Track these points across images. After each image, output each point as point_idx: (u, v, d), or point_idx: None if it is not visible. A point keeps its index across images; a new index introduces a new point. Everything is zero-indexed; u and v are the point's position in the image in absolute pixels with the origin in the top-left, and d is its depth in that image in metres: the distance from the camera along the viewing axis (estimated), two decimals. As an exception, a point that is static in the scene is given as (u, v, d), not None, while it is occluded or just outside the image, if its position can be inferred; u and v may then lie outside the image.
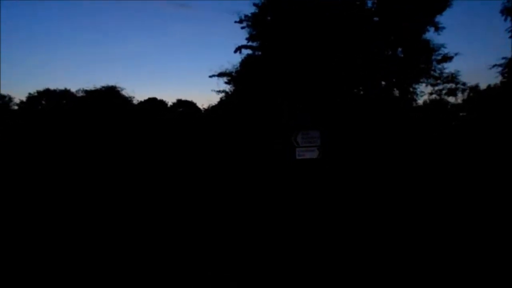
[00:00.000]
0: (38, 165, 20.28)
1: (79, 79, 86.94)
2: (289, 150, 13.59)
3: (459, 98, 23.76)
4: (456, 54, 22.13)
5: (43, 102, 44.73)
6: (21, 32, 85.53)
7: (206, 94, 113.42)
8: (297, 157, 14.44)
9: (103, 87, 39.83)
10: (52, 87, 44.74)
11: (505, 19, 20.79)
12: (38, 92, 44.77)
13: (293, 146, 14.34)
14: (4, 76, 75.59)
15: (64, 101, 43.14)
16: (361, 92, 23.55)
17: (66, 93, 43.79)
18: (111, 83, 40.73)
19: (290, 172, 13.78)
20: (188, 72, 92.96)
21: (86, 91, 40.48)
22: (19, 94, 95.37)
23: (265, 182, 14.47)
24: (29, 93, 45.33)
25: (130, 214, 9.55)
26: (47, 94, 44.56)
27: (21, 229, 8.19)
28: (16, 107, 46.48)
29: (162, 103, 48.95)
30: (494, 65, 21.99)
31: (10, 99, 47.21)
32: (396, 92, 22.99)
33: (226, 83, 26.62)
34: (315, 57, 20.89)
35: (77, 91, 42.09)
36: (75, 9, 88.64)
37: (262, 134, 21.44)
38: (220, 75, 25.92)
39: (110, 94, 39.48)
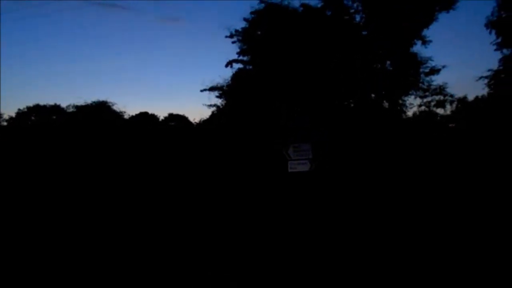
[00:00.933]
0: (27, 179, 19.98)
1: (70, 94, 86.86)
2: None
3: (448, 109, 24.13)
4: (443, 66, 22.59)
5: (33, 118, 44.40)
6: (11, 47, 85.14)
7: (198, 108, 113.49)
8: (289, 170, 14.46)
9: (93, 102, 39.70)
10: (42, 102, 44.56)
11: (490, 32, 21.34)
12: (28, 108, 44.54)
13: (285, 159, 14.37)
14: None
15: (54, 117, 42.88)
16: (352, 105, 23.82)
17: (56, 108, 43.60)
18: (102, 98, 40.67)
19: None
20: (180, 87, 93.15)
21: (76, 107, 40.33)
22: (8, 110, 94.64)
23: (262, 185, 14.54)
24: (19, 109, 45.06)
25: (125, 222, 9.45)
26: (37, 109, 44.30)
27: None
28: (5, 123, 46.02)
29: (153, 117, 48.86)
30: (481, 77, 22.49)
31: (0, 115, 46.81)
32: (386, 104, 23.30)
33: (217, 97, 26.71)
34: (311, 60, 20.98)
35: (68, 106, 41.98)
36: (65, 24, 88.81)
37: (261, 136, 21.36)
38: (212, 89, 26.01)
39: (101, 109, 39.32)
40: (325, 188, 14.24)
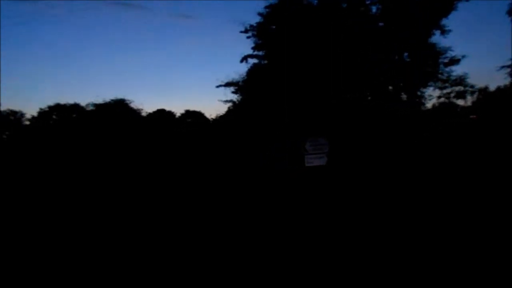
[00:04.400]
0: (52, 178, 20.53)
1: (89, 93, 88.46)
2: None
3: (469, 100, 23.58)
4: (463, 56, 22.05)
5: (54, 116, 45.33)
6: (34, 48, 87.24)
7: (214, 104, 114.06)
8: (306, 164, 14.45)
9: (112, 100, 40.24)
10: (62, 102, 45.31)
11: (512, 20, 20.69)
12: (49, 107, 45.44)
13: (302, 153, 14.37)
14: (17, 92, 76.96)
15: (74, 115, 43.65)
16: (369, 98, 23.54)
17: (75, 107, 44.30)
18: (120, 96, 41.14)
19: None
20: (196, 83, 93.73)
21: (95, 105, 40.94)
22: (30, 109, 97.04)
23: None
24: (40, 109, 46.02)
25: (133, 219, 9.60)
26: (57, 109, 45.15)
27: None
28: (27, 122, 47.25)
29: (170, 114, 49.29)
30: (503, 67, 21.86)
31: (22, 115, 48.10)
32: (404, 97, 22.93)
33: (233, 92, 26.78)
34: (328, 53, 20.69)
35: (87, 105, 42.51)
36: (83, 24, 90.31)
37: (276, 130, 21.35)
38: (227, 85, 26.09)
39: (119, 107, 39.90)
40: (342, 182, 14.12)
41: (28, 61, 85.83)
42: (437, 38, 21.98)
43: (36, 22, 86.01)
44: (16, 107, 48.65)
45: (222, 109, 46.10)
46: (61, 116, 44.67)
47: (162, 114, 47.50)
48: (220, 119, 32.37)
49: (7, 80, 75.48)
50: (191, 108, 50.36)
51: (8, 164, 26.79)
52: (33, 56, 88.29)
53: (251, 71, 25.16)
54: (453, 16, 21.65)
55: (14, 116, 47.71)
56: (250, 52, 24.79)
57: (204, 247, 7.09)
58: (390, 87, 22.99)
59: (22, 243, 7.96)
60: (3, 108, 44.08)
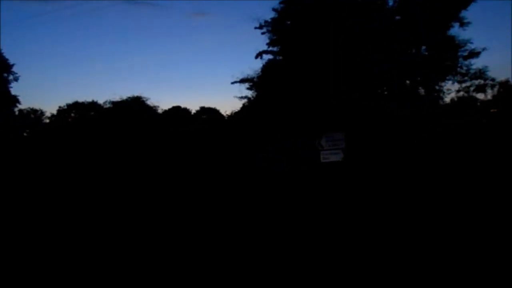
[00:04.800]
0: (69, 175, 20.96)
1: (105, 91, 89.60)
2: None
3: (489, 94, 23.04)
4: (483, 49, 21.54)
5: (72, 114, 46.17)
6: (51, 47, 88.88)
7: (229, 101, 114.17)
8: (322, 160, 14.40)
9: (128, 97, 40.70)
10: (80, 100, 46.08)
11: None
12: (68, 105, 46.29)
13: (317, 149, 14.30)
14: (37, 91, 78.68)
15: (92, 113, 44.34)
16: (385, 92, 23.18)
17: (93, 105, 44.95)
18: (136, 93, 41.62)
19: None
20: (211, 80, 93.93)
21: (112, 103, 41.46)
22: (50, 108, 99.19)
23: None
24: (59, 106, 46.92)
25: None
26: (75, 106, 45.96)
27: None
28: (47, 120, 48.24)
29: (186, 111, 49.63)
30: (525, 59, 21.24)
31: (42, 113, 49.10)
32: (422, 91, 22.53)
33: (248, 89, 26.75)
34: (342, 48, 20.44)
35: (104, 102, 42.99)
36: (97, 23, 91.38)
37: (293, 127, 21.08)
38: (242, 81, 26.07)
39: (136, 104, 40.37)
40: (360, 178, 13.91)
41: (46, 60, 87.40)
42: (456, 30, 21.60)
43: (51, 21, 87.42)
44: (36, 106, 49.55)
45: (237, 105, 46.16)
46: (79, 114, 45.47)
47: (177, 111, 47.86)
48: (234, 115, 32.37)
49: (26, 79, 77.52)
50: (206, 105, 50.60)
51: (29, 160, 27.44)
52: (50, 55, 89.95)
53: (265, 67, 25.10)
54: (472, 7, 21.19)
55: (35, 115, 48.75)
56: (265, 48, 24.78)
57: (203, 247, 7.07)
58: (408, 82, 22.63)
59: (44, 235, 8.18)
60: (24, 106, 44.91)
